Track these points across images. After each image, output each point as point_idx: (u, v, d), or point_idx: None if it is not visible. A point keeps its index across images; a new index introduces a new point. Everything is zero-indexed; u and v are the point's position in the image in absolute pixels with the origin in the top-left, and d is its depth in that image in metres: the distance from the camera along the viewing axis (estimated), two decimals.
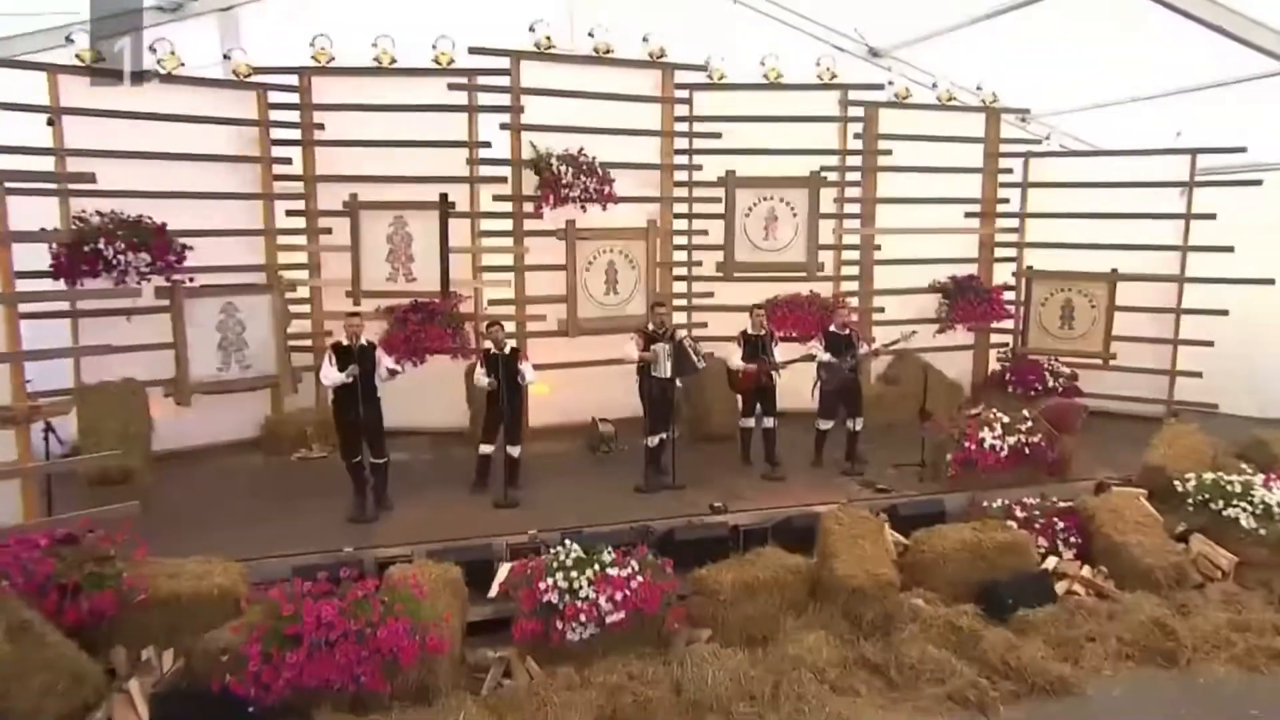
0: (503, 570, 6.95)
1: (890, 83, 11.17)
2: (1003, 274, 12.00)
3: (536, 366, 10.25)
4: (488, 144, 10.23)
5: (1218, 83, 10.08)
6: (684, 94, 10.94)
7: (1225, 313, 10.49)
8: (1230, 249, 10.36)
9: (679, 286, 11.28)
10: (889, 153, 11.18)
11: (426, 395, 10.25)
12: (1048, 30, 10.52)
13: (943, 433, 8.96)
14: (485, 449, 8.92)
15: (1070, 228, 11.41)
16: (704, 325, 11.19)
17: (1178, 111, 10.59)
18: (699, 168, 11.07)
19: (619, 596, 6.15)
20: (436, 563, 6.52)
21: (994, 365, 12.01)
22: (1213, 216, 10.59)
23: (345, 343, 8.11)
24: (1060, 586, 7.24)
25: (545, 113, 10.21)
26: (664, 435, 9.10)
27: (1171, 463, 8.45)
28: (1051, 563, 7.48)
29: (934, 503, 8.21)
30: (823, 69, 10.98)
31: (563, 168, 9.94)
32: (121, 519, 6.46)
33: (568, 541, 6.50)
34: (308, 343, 10.56)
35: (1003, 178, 11.80)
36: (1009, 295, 11.80)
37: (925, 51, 12.16)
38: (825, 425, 9.59)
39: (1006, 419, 8.78)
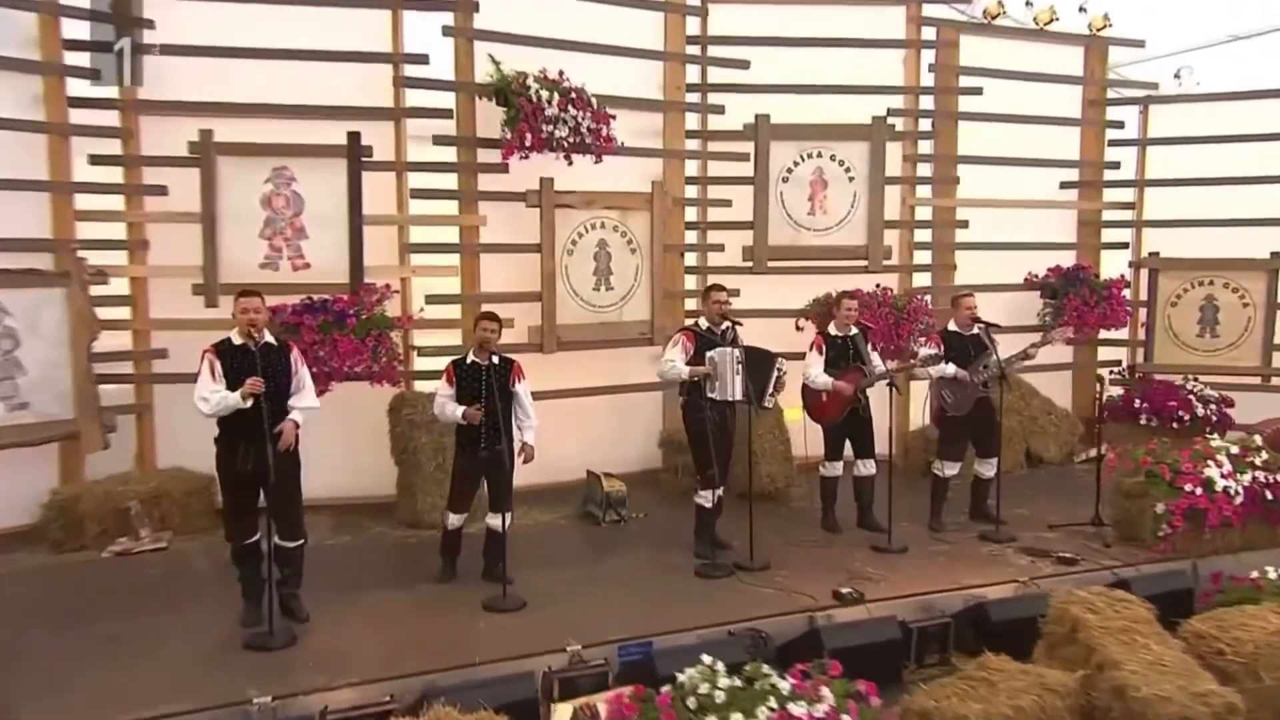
0: (561, 717, 4.86)
1: None
2: (1111, 264, 10.78)
3: None
4: (424, 58, 8.25)
5: None
6: (696, 1, 9.31)
7: None
8: None
9: (690, 281, 9.51)
10: (979, 91, 9.81)
11: (326, 446, 7.98)
12: None
13: (1132, 473, 7.44)
14: (455, 520, 6.84)
15: (1207, 199, 10.30)
16: None
17: None
18: (719, 110, 9.38)
19: None
20: (462, 713, 4.35)
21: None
22: None
23: (238, 341, 5.89)
24: None
25: (507, 17, 8.35)
26: (721, 489, 7.27)
27: None
28: None
29: (1176, 575, 6.64)
30: None
31: (545, 93, 8.02)
32: None
33: (706, 659, 4.48)
34: (126, 368, 8.16)
35: (1111, 134, 10.65)
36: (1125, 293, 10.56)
37: None
38: (950, 470, 7.93)
39: (1234, 449, 7.35)
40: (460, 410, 6.51)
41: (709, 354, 7.12)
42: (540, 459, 8.48)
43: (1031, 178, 10.38)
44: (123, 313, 8.14)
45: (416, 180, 8.36)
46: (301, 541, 6.08)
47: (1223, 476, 7.15)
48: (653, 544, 7.64)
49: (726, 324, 7.28)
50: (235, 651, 5.61)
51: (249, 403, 5.66)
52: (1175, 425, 9.84)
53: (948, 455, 7.91)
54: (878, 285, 9.51)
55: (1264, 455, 7.40)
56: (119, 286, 8.12)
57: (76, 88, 7.92)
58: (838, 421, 7.73)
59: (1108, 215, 10.78)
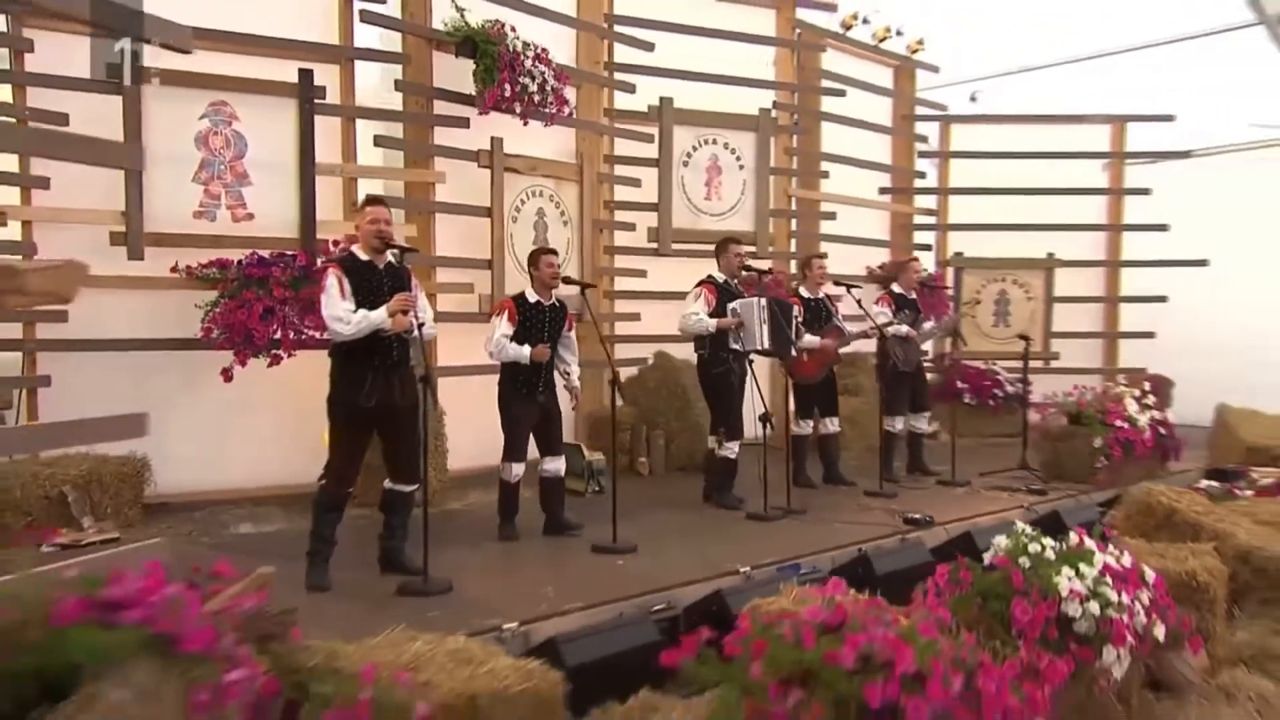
0: None
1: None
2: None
3: (450, 370, 7.88)
4: None
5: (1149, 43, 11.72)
6: None
7: (1164, 299, 11.90)
8: (1164, 228, 11.82)
9: (606, 260, 9.69)
10: (842, 93, 10.94)
11: (267, 430, 7.50)
12: None
13: (1057, 418, 8.71)
14: (518, 470, 6.66)
15: (993, 207, 12.13)
16: (635, 318, 9.62)
17: (1104, 78, 12.06)
18: (629, 88, 9.68)
19: (1147, 599, 4.68)
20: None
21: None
22: (1147, 192, 12.08)
23: (364, 257, 5.39)
24: None
25: None
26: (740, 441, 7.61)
27: None
28: None
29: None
30: None
31: (519, 44, 7.94)
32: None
33: (1020, 524, 4.85)
34: (13, 332, 6.86)
35: (918, 146, 12.28)
36: None
37: None
38: (898, 425, 8.80)
39: (1136, 393, 8.85)
40: (527, 350, 6.35)
41: (731, 305, 7.42)
42: (475, 438, 8.10)
43: (858, 180, 11.64)
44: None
45: (372, 129, 7.85)
46: (418, 486, 5.57)
47: (1137, 413, 8.60)
48: (660, 506, 7.58)
49: (748, 277, 7.63)
50: (391, 600, 5.12)
51: (390, 323, 5.21)
52: (991, 403, 11.46)
53: (895, 410, 8.73)
54: (775, 268, 10.16)
55: (1152, 399, 8.97)
56: (9, 231, 6.84)
57: None
58: (815, 381, 8.28)
59: (917, 219, 12.34)
